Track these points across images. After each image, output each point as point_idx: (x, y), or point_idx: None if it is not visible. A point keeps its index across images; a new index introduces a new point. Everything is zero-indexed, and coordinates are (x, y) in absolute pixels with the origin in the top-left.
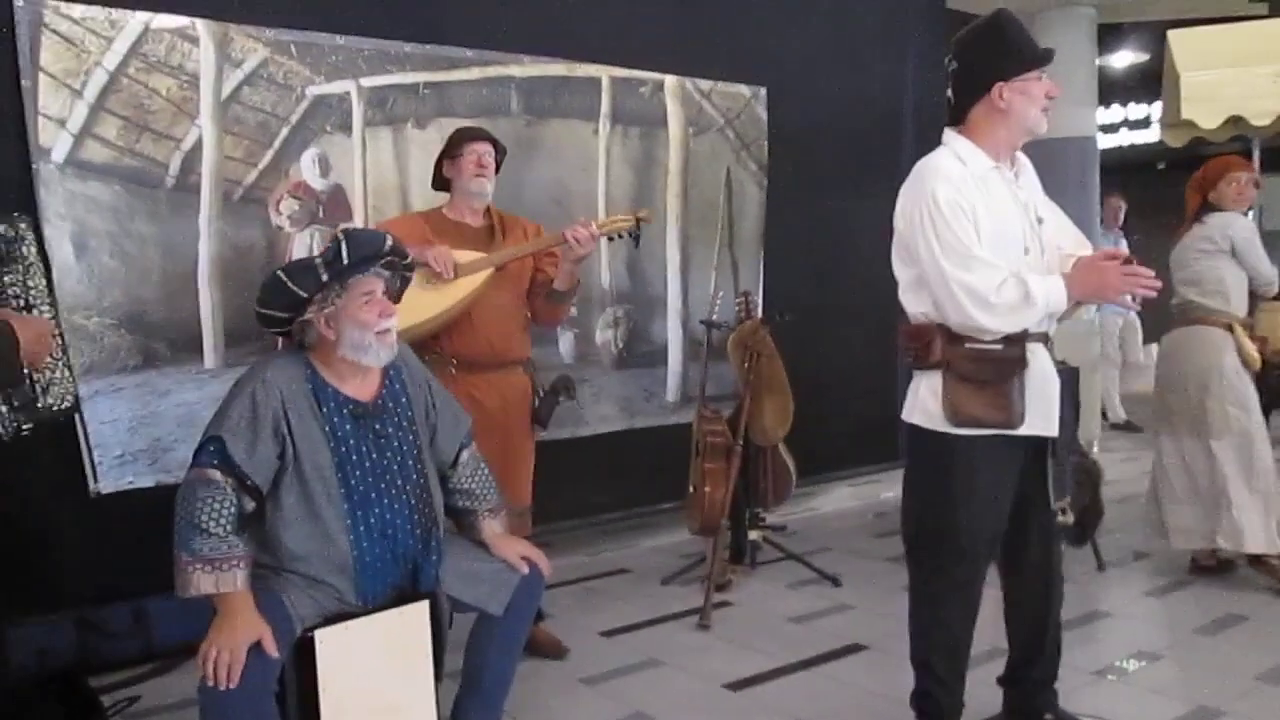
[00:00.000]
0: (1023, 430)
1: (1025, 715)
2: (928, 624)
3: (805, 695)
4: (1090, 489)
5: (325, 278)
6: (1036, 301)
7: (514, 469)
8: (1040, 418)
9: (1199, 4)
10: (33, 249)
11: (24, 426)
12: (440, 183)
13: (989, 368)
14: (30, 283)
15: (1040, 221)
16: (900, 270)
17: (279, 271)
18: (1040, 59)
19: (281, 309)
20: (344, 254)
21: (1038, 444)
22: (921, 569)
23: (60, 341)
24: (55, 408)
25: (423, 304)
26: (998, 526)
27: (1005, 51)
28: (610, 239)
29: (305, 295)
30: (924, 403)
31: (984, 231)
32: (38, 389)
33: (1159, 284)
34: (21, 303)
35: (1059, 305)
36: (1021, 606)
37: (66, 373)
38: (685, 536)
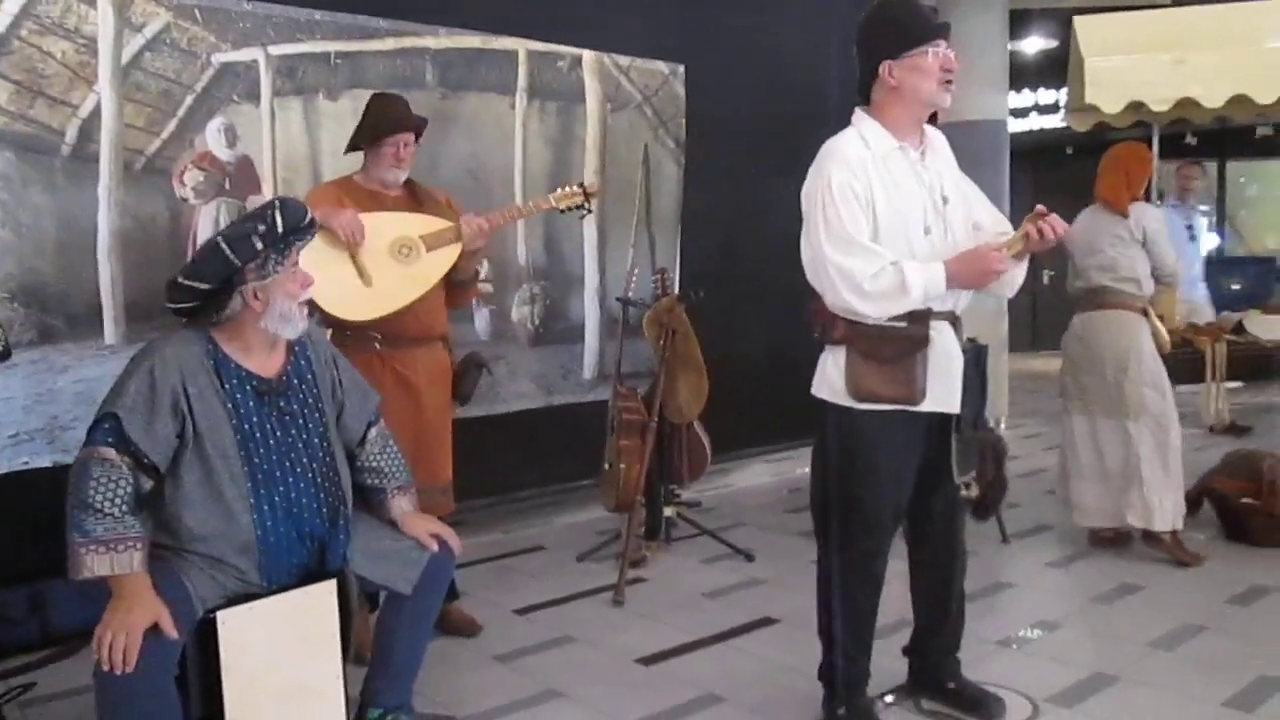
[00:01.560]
0: (924, 407)
1: (929, 684)
2: (833, 596)
3: (717, 668)
4: (995, 464)
5: (260, 246)
6: (911, 290)
7: (439, 446)
8: (942, 394)
9: None
10: None
11: None
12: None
13: (891, 345)
14: None
15: (945, 201)
16: (805, 249)
17: (219, 239)
18: (926, 35)
19: (212, 280)
20: (279, 223)
21: (941, 419)
22: (827, 542)
23: None
24: None
25: (405, 281)
26: (900, 500)
27: (890, 31)
28: (562, 211)
29: (239, 265)
30: (829, 378)
31: (880, 213)
32: None
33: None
34: None
35: (937, 292)
36: (926, 578)
37: None
38: (601, 513)
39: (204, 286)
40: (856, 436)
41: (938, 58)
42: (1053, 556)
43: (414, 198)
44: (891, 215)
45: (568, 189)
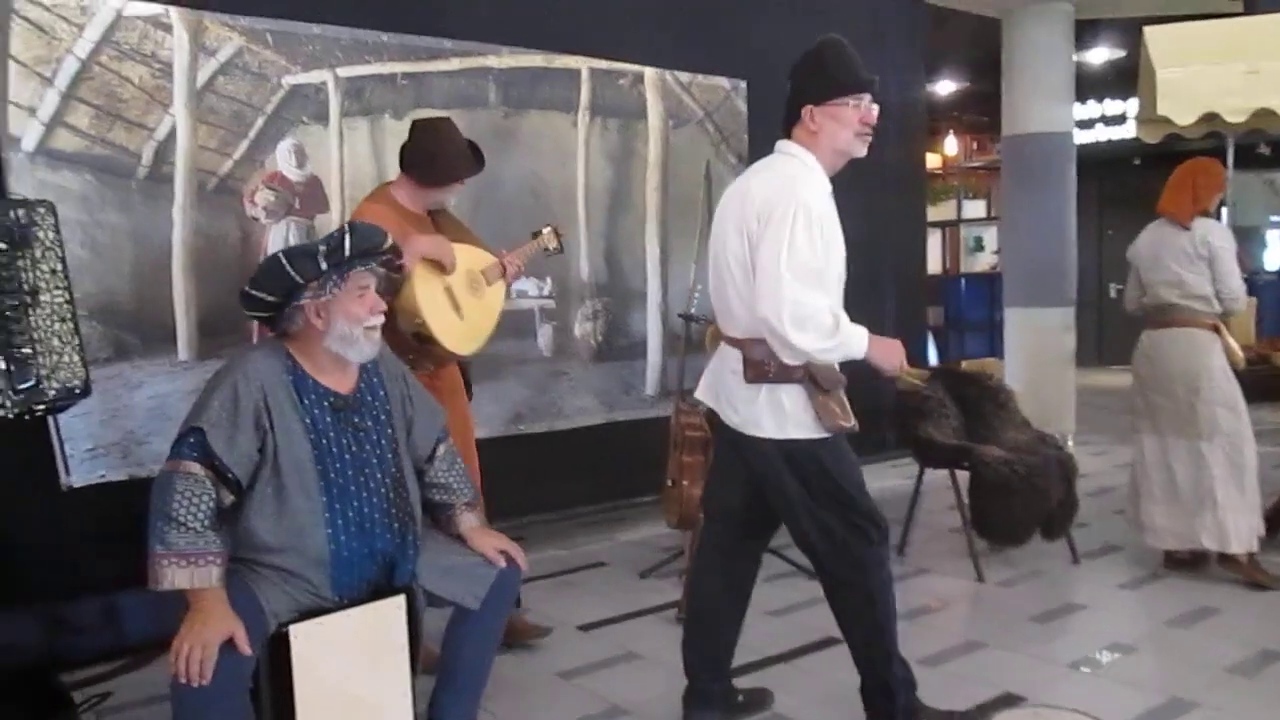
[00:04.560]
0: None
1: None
2: (883, 615)
3: (781, 688)
4: (1065, 482)
5: (324, 266)
6: (839, 338)
7: (469, 456)
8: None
9: (1176, 1)
10: (50, 234)
11: (35, 407)
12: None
13: (833, 377)
14: (43, 267)
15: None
16: (744, 278)
17: (280, 254)
18: (852, 87)
19: (274, 293)
20: (346, 245)
21: None
22: (866, 566)
23: (72, 325)
24: (60, 392)
25: (483, 313)
26: None
27: (821, 77)
28: (547, 251)
29: (301, 281)
30: (797, 416)
31: (833, 249)
32: (41, 372)
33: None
34: (28, 286)
35: (855, 352)
36: None
37: (75, 356)
38: (663, 530)
39: (267, 297)
40: (845, 458)
41: (858, 110)
42: (1125, 578)
43: (438, 224)
44: (835, 253)
45: (548, 230)
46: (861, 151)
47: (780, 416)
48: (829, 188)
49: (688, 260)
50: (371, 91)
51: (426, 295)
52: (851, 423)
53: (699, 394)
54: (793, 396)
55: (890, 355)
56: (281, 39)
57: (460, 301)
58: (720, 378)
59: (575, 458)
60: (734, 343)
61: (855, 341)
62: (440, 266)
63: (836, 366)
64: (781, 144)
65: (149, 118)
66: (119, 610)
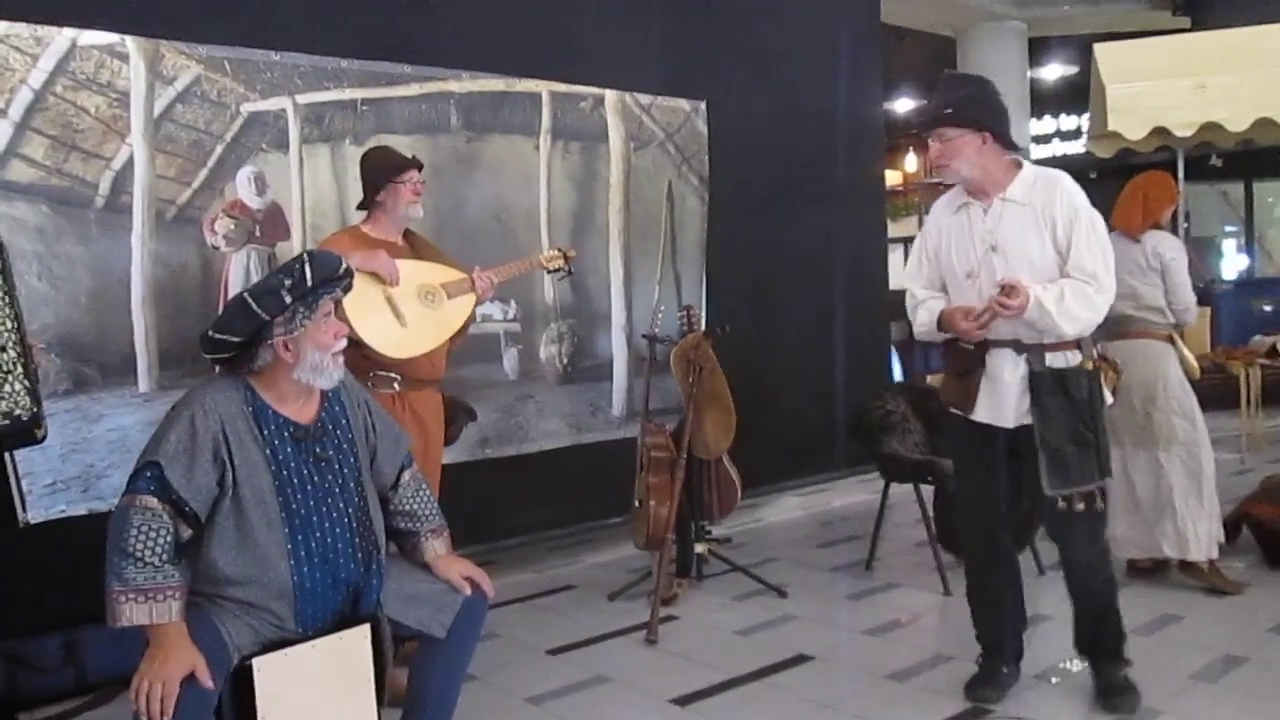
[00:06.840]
0: (978, 417)
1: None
2: (971, 584)
3: (752, 708)
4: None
5: (289, 300)
6: (915, 324)
7: (436, 483)
8: (990, 408)
9: (1124, 18)
10: None
11: None
12: (367, 203)
13: (962, 361)
14: None
15: (993, 250)
16: None
17: (244, 294)
18: (918, 127)
19: (242, 333)
20: (308, 276)
21: (1025, 433)
22: (961, 531)
23: (17, 354)
24: (6, 420)
25: (433, 324)
26: (988, 501)
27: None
28: (549, 271)
29: (268, 318)
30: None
31: (940, 259)
32: None
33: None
34: None
35: (928, 329)
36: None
37: (19, 385)
38: (631, 551)
39: (234, 339)
40: (950, 439)
41: (931, 147)
42: None
43: (414, 248)
44: (946, 262)
45: (553, 251)
46: (949, 178)
47: None
48: (960, 202)
49: (651, 281)
50: (332, 118)
51: (356, 304)
52: (960, 408)
53: None
54: None
55: (958, 322)
56: (240, 66)
57: (403, 310)
58: None
59: (543, 481)
60: None
61: (929, 322)
62: (378, 278)
63: (994, 356)
64: None
65: (106, 147)
66: (80, 647)
